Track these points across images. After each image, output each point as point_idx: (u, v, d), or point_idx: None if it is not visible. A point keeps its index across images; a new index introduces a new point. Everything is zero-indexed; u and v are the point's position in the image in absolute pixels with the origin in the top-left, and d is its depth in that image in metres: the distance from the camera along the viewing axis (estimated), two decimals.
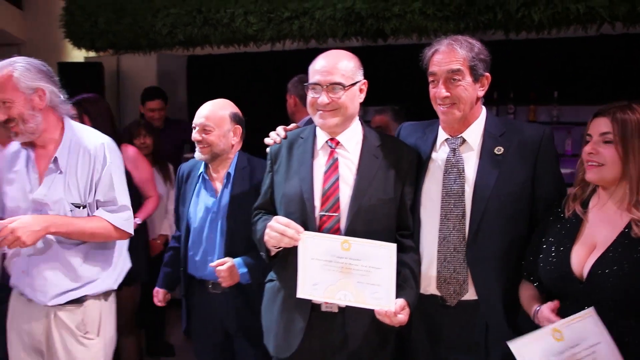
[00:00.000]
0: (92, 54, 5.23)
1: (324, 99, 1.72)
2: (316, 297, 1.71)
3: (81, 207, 1.92)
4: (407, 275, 1.73)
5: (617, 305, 1.48)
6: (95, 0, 4.26)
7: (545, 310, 1.56)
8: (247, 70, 5.70)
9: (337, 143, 1.81)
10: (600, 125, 1.56)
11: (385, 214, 1.77)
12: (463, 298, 1.78)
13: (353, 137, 1.82)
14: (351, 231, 1.72)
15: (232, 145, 2.17)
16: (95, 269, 1.98)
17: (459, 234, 1.77)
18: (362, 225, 1.72)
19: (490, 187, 1.75)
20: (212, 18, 3.79)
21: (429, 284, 1.81)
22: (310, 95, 1.77)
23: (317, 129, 1.85)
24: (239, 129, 2.19)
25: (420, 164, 1.86)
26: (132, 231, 2.02)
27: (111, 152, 1.96)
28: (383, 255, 1.65)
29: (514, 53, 4.32)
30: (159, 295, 2.35)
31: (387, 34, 3.45)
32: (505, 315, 1.76)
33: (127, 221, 1.98)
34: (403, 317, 1.65)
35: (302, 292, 1.70)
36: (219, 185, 2.19)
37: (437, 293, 1.80)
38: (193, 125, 2.16)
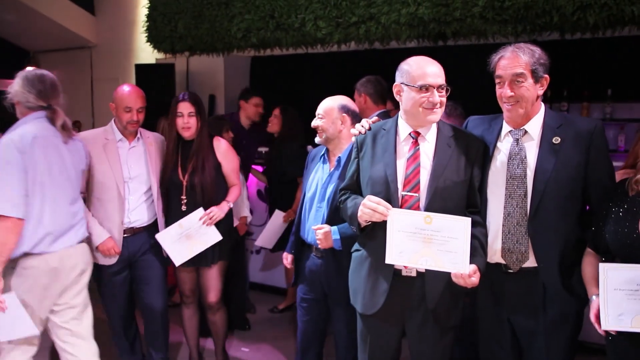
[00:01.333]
0: (157, 55, 5.61)
1: (436, 98, 2.06)
2: (402, 262, 2.03)
3: None
4: (476, 246, 2.03)
5: None
6: (176, 7, 4.67)
7: (594, 304, 1.89)
8: (307, 69, 6.02)
9: (419, 134, 2.13)
10: None
11: (458, 193, 2.09)
12: (524, 265, 2.10)
13: (431, 129, 2.14)
14: (429, 208, 2.03)
15: (340, 131, 2.56)
16: None
17: (521, 210, 2.08)
18: (438, 203, 2.04)
19: (549, 171, 2.04)
20: (284, 23, 4.12)
21: (494, 254, 2.13)
22: (418, 96, 2.06)
23: (400, 122, 2.18)
24: (347, 117, 2.58)
25: (486, 152, 2.16)
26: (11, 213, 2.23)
27: None
28: (459, 227, 1.95)
29: (568, 52, 4.48)
30: (288, 259, 2.81)
31: (448, 37, 3.69)
32: (561, 279, 2.07)
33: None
34: (475, 279, 1.97)
35: (390, 259, 2.02)
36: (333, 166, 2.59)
37: (502, 261, 2.13)
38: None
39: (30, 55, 8.04)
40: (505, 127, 2.18)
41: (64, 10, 7.02)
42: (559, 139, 2.07)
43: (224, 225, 3.06)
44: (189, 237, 2.94)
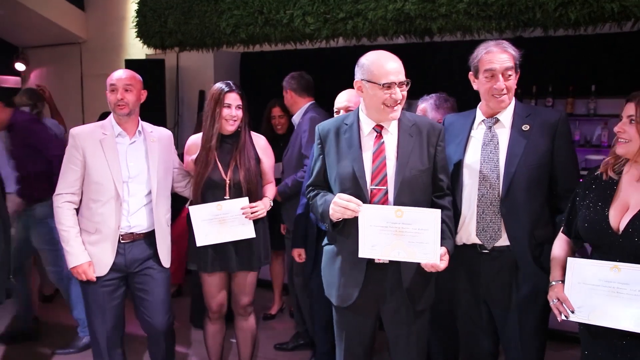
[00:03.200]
0: (147, 51, 5.60)
1: (398, 95, 2.10)
2: (375, 256, 2.11)
3: None
4: (444, 229, 2.12)
5: None
6: (165, 2, 4.70)
7: (558, 289, 1.97)
8: (296, 66, 6.04)
9: (382, 128, 2.19)
10: (628, 109, 1.89)
11: (424, 182, 2.19)
12: (497, 244, 2.26)
13: (392, 121, 2.20)
14: (397, 200, 2.11)
15: None
16: None
17: (494, 192, 2.24)
18: (406, 193, 2.12)
19: (519, 155, 2.22)
20: (273, 18, 4.16)
21: (470, 234, 2.30)
22: (381, 93, 2.09)
23: (361, 116, 2.22)
24: None
25: (443, 136, 2.26)
26: None
27: None
28: (429, 219, 2.04)
29: (552, 49, 4.56)
30: (302, 254, 2.91)
31: (434, 33, 3.75)
32: (532, 257, 2.21)
33: None
34: (445, 263, 2.07)
35: (363, 253, 2.10)
36: None
37: (477, 241, 2.28)
38: (336, 109, 2.73)
39: (18, 50, 7.99)
40: (479, 117, 2.36)
41: (53, 6, 6.98)
42: (528, 127, 2.26)
43: (262, 224, 2.86)
44: (222, 222, 2.70)
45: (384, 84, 2.07)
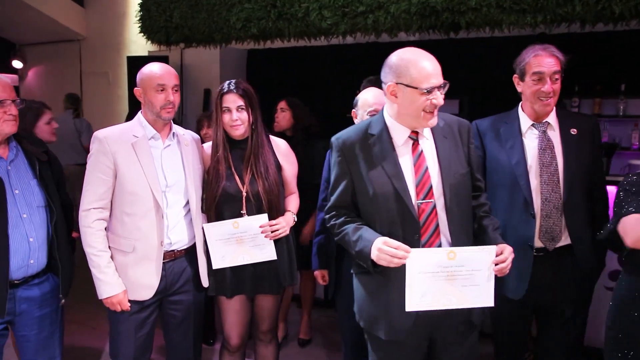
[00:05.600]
0: (150, 47, 5.39)
1: (440, 100, 1.84)
2: (424, 307, 1.83)
3: None
4: (491, 227, 1.98)
5: None
6: None
7: None
8: (305, 63, 5.83)
9: (417, 134, 1.93)
10: None
11: (467, 186, 1.97)
12: (558, 245, 2.30)
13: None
14: (450, 210, 1.88)
15: None
16: None
17: (556, 195, 2.29)
18: (454, 203, 1.89)
19: (574, 159, 2.30)
20: (287, 12, 3.90)
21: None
22: (422, 99, 1.82)
23: (390, 123, 1.94)
24: None
25: (471, 131, 2.08)
26: None
27: None
28: (483, 258, 1.81)
29: (578, 46, 4.33)
30: (325, 276, 2.63)
31: (462, 27, 3.49)
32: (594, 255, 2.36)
33: None
34: (510, 260, 1.86)
35: (410, 305, 1.82)
36: None
37: (540, 244, 2.30)
38: (369, 111, 2.40)
39: (16, 47, 7.81)
40: (526, 122, 2.38)
41: (52, 2, 6.83)
42: (575, 131, 2.35)
43: (286, 242, 2.53)
44: (239, 242, 2.40)
45: (425, 89, 1.81)
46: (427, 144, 1.94)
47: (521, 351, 2.52)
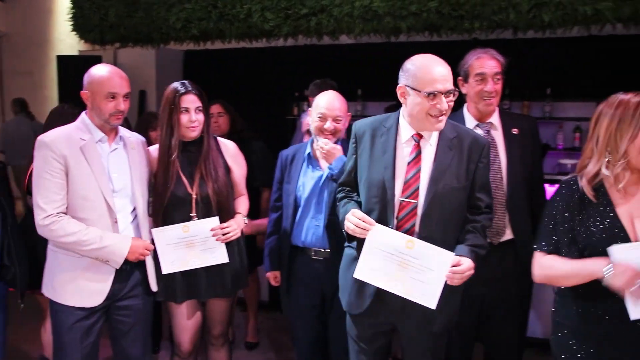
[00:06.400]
0: (80, 47, 5.15)
1: (444, 106, 1.91)
2: (371, 281, 1.94)
3: None
4: (472, 239, 2.01)
5: None
6: None
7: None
8: (244, 65, 5.79)
9: (421, 137, 1.99)
10: None
11: (457, 199, 2.00)
12: (502, 239, 2.42)
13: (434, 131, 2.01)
14: (427, 215, 1.94)
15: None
16: None
17: (499, 191, 2.39)
18: (436, 210, 1.94)
19: (517, 156, 2.42)
20: (228, 14, 3.86)
21: None
22: (426, 103, 1.90)
23: (402, 122, 2.03)
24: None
25: (488, 151, 2.11)
26: None
27: None
28: (440, 260, 1.88)
29: (509, 52, 4.54)
30: (277, 277, 2.61)
31: (403, 31, 3.59)
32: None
33: None
34: (471, 272, 1.93)
35: (359, 273, 1.95)
36: (323, 162, 2.46)
37: None
38: (320, 114, 2.41)
39: None
40: (471, 122, 2.49)
41: None
42: (517, 130, 2.47)
43: (237, 245, 2.51)
44: (190, 246, 2.36)
45: (428, 93, 1.88)
46: (429, 149, 2.00)
47: (471, 344, 2.63)
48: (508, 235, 2.43)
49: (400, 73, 1.98)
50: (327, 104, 2.41)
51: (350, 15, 3.57)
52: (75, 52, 6.11)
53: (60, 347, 2.26)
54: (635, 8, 3.04)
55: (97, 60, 5.36)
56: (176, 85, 2.39)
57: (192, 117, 2.36)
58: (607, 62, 4.58)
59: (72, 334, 2.22)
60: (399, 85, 1.98)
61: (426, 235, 1.93)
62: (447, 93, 1.91)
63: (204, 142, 2.42)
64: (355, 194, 2.13)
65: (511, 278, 2.43)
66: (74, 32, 4.56)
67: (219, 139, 2.59)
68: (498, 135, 2.47)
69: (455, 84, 2.27)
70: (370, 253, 1.90)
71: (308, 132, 2.68)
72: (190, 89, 2.38)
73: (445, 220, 1.97)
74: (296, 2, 3.68)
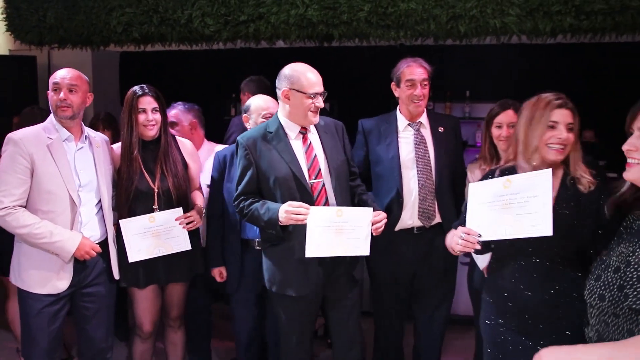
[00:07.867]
0: (11, 46, 5.05)
1: (321, 103, 2.36)
2: (320, 254, 2.28)
3: None
4: (369, 200, 2.55)
5: None
6: None
7: (460, 228, 2.02)
8: (180, 67, 5.90)
9: (307, 130, 2.42)
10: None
11: (345, 170, 2.51)
12: (433, 223, 2.74)
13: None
14: (334, 188, 2.40)
15: None
16: None
17: (429, 182, 2.73)
18: (337, 183, 2.41)
19: (443, 153, 2.77)
20: (170, 18, 4.01)
21: (410, 217, 2.74)
22: (309, 102, 2.35)
23: (284, 122, 2.42)
24: None
25: (345, 131, 2.60)
26: None
27: None
28: (364, 216, 2.34)
29: (432, 57, 4.94)
30: (223, 273, 2.79)
31: (335, 38, 3.88)
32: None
33: None
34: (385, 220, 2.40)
35: (309, 252, 2.25)
36: None
37: (419, 223, 2.73)
38: (263, 115, 2.74)
39: None
40: (403, 121, 2.84)
41: None
42: (442, 129, 2.82)
43: (196, 234, 2.76)
44: (156, 235, 2.57)
45: (311, 94, 2.33)
46: (314, 137, 2.47)
47: (403, 324, 2.97)
48: (437, 219, 2.76)
49: (281, 79, 2.38)
50: (267, 103, 2.76)
51: (286, 23, 3.82)
52: (5, 52, 6.00)
53: (28, 332, 2.42)
54: (535, 23, 3.49)
55: (31, 60, 5.32)
56: (135, 88, 2.63)
57: (149, 117, 2.60)
58: (517, 66, 5.09)
59: (39, 319, 2.40)
60: (282, 89, 2.37)
61: (338, 202, 2.35)
62: (322, 93, 2.38)
63: (161, 140, 2.65)
64: (258, 198, 2.40)
65: (439, 254, 2.73)
66: (9, 32, 4.54)
67: (178, 137, 2.83)
68: (427, 133, 2.82)
69: (389, 88, 2.78)
70: (313, 232, 2.23)
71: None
72: (147, 91, 2.63)
73: (344, 187, 2.44)
74: (235, 9, 3.89)
